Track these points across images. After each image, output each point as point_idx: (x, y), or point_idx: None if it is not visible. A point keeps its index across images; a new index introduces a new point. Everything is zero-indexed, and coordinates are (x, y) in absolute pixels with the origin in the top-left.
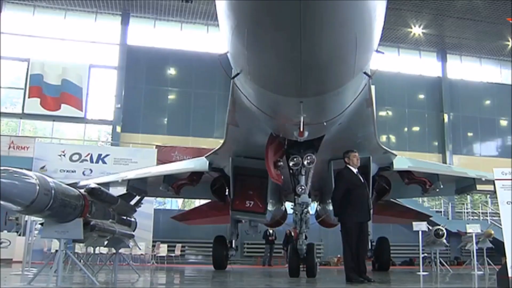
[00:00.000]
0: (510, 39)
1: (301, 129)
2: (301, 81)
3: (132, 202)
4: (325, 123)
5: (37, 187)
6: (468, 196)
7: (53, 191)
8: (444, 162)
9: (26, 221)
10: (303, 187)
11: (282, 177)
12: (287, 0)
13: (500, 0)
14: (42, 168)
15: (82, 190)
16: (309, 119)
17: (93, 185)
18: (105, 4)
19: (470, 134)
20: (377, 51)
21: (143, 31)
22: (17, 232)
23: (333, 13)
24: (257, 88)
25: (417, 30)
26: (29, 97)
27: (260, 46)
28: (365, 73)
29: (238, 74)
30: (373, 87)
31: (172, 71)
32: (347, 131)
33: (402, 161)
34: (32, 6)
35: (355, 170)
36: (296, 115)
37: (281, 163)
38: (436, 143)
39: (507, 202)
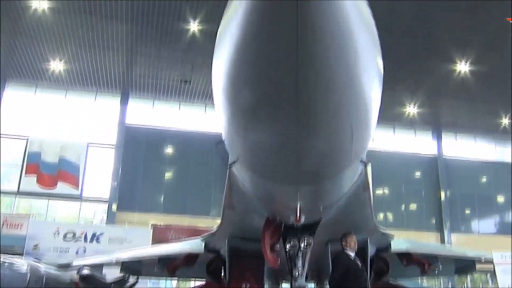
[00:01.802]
0: (503, 117)
1: (298, 216)
2: (297, 170)
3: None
4: (322, 209)
5: (28, 276)
6: (468, 275)
7: (44, 279)
8: (442, 240)
9: None
10: (299, 271)
11: (279, 260)
12: (283, 94)
13: (492, 81)
14: (35, 248)
15: (74, 274)
16: (306, 205)
17: (85, 271)
18: (106, 84)
19: (467, 211)
20: (361, 159)
21: (142, 110)
22: None
23: (328, 105)
24: (253, 176)
25: (411, 109)
26: (25, 175)
27: (256, 136)
28: (361, 160)
29: (234, 162)
30: (369, 167)
31: (169, 150)
32: (344, 214)
33: (400, 242)
34: (34, 85)
35: (352, 254)
36: (293, 202)
37: (278, 247)
38: (434, 221)
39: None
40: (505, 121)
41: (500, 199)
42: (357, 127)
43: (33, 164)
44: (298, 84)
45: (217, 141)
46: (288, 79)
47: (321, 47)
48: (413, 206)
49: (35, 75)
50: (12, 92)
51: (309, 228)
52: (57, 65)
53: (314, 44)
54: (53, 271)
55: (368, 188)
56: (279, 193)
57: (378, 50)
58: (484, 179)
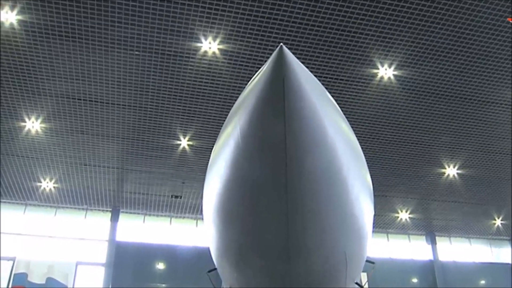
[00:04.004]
0: (496, 219)
1: None
2: None
3: None
4: None
5: None
6: None
7: None
8: None
9: None
10: None
11: None
12: (272, 233)
13: (482, 184)
14: None
15: None
16: None
17: None
18: (96, 201)
19: None
20: (367, 260)
21: (132, 226)
22: None
23: (320, 237)
24: None
25: (404, 215)
26: None
27: (248, 268)
28: (356, 283)
29: None
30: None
31: (160, 266)
32: None
33: None
34: (24, 204)
35: None
36: None
37: None
38: None
39: None
40: (498, 222)
41: None
42: (351, 252)
43: (19, 287)
44: (289, 218)
45: (209, 269)
46: (278, 214)
47: (309, 180)
48: None
49: (25, 195)
50: (1, 212)
51: None
52: (47, 184)
53: (302, 180)
54: None
55: None
56: None
57: (365, 168)
58: (482, 281)
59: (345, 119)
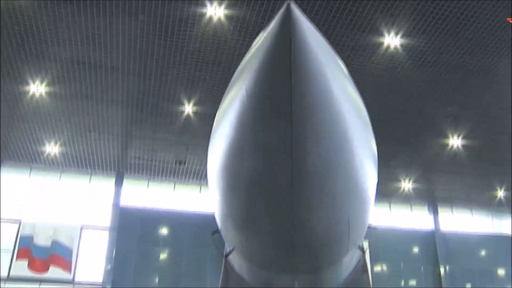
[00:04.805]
0: (499, 190)
1: None
2: (294, 261)
3: None
4: None
5: None
6: None
7: None
8: None
9: None
10: None
11: None
12: (278, 190)
13: (485, 154)
14: None
15: None
16: None
17: None
18: (100, 166)
19: (468, 286)
20: (369, 226)
21: (136, 191)
22: None
23: (324, 198)
24: (250, 265)
25: (406, 185)
26: (16, 260)
27: (252, 230)
28: (359, 247)
29: (231, 251)
30: (366, 245)
31: (164, 231)
32: None
33: None
34: (29, 167)
35: None
36: None
37: None
38: None
39: None
40: (500, 193)
41: (501, 272)
42: (354, 216)
43: (25, 248)
44: (294, 179)
45: (213, 230)
46: (283, 175)
47: (314, 141)
48: (412, 282)
49: (30, 158)
50: (6, 175)
51: None
52: (52, 148)
53: (307, 141)
54: None
55: (367, 270)
56: (276, 283)
57: (370, 134)
58: (483, 252)
59: (353, 83)
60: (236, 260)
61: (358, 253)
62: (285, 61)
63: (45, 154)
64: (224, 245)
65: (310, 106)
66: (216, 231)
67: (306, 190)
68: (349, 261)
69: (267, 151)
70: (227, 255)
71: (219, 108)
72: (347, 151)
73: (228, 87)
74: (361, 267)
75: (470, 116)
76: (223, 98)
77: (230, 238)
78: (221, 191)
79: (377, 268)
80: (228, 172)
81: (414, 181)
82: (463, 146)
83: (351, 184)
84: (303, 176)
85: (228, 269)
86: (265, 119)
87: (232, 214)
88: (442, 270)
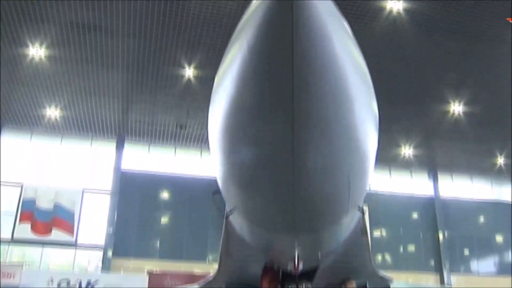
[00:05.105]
0: (499, 157)
1: (296, 265)
2: (294, 220)
3: None
4: (320, 256)
5: None
6: None
7: None
8: (442, 281)
9: None
10: None
11: None
12: (279, 148)
13: (486, 121)
14: None
15: None
16: (304, 254)
17: None
18: (101, 130)
19: (466, 252)
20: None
21: (137, 155)
22: None
23: (324, 156)
24: (250, 225)
25: (407, 151)
26: (19, 222)
27: (253, 189)
28: (359, 207)
29: (231, 211)
30: (366, 208)
31: (165, 195)
32: (342, 260)
33: (399, 285)
34: (29, 131)
35: None
36: (291, 250)
37: None
38: (433, 262)
39: None
40: (500, 160)
41: (499, 239)
42: (354, 176)
43: (28, 211)
44: (295, 137)
45: (213, 190)
46: (284, 133)
47: (315, 97)
48: (411, 248)
49: (31, 122)
50: (8, 139)
51: (307, 274)
52: (53, 112)
53: (308, 97)
54: None
55: (366, 233)
56: (276, 242)
57: (372, 96)
58: (482, 219)
59: (356, 44)
60: (236, 221)
61: (357, 214)
62: (287, 15)
63: (46, 118)
64: (224, 207)
65: (312, 60)
66: (217, 191)
67: (307, 147)
68: (348, 222)
69: (269, 107)
70: (227, 215)
71: (220, 66)
72: (349, 110)
73: (229, 44)
74: (360, 229)
75: (472, 83)
76: (223, 55)
77: (230, 198)
78: (222, 150)
79: (377, 233)
80: (229, 130)
81: (415, 147)
82: (464, 112)
83: (352, 143)
84: (304, 133)
85: (229, 230)
86: (267, 72)
87: (233, 174)
88: (441, 236)
